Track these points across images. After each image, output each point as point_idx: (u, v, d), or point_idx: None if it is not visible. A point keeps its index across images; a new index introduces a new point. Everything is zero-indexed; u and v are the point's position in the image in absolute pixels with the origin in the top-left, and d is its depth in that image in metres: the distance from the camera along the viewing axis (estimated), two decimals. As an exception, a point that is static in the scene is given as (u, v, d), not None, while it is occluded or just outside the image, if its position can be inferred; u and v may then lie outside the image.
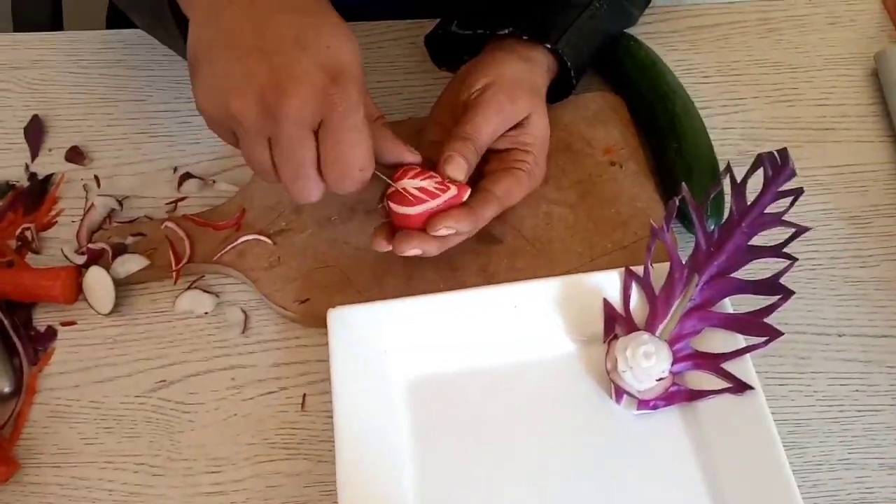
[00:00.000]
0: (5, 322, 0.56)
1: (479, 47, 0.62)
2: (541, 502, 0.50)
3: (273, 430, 0.54)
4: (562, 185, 0.62)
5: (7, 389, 0.55)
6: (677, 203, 0.53)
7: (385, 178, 0.52)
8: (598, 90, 0.67)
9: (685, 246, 0.57)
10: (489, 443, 0.52)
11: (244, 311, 0.58)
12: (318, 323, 0.56)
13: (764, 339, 0.52)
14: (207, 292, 0.59)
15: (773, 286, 0.52)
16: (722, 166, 0.58)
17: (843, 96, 0.69)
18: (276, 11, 0.46)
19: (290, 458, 0.53)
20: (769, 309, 0.52)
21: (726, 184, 0.53)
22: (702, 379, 0.52)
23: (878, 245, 0.61)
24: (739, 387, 0.51)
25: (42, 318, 0.58)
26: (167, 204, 0.63)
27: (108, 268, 0.58)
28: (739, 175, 0.52)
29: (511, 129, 0.57)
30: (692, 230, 0.58)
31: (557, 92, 0.62)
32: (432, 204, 0.52)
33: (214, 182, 0.64)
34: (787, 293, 0.52)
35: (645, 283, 0.54)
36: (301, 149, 0.47)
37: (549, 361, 0.55)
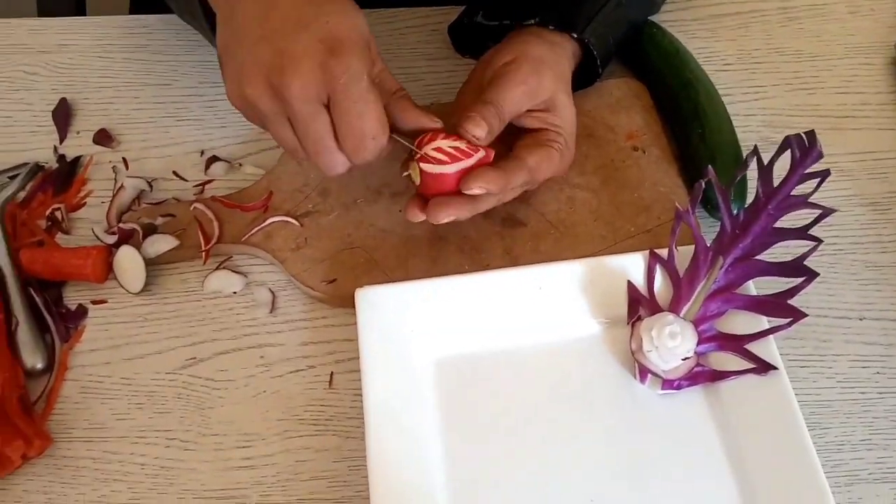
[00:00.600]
0: (37, 300, 0.57)
1: (502, 35, 0.63)
2: (565, 481, 0.51)
3: (302, 406, 0.55)
4: (585, 169, 0.63)
5: (40, 366, 0.56)
6: (703, 186, 0.53)
7: (408, 143, 0.53)
8: (621, 76, 0.68)
9: (707, 230, 0.58)
10: (514, 423, 0.53)
11: (272, 291, 0.59)
12: (345, 303, 0.57)
13: (787, 320, 0.52)
14: (236, 272, 0.59)
15: (797, 268, 0.53)
16: (744, 153, 0.59)
17: (864, 84, 0.69)
18: None
19: (318, 434, 0.54)
20: (792, 291, 0.53)
21: (751, 168, 0.54)
22: (725, 360, 0.53)
23: (899, 231, 0.62)
24: (763, 367, 0.52)
25: (73, 297, 0.59)
26: (195, 186, 0.64)
27: (138, 248, 0.59)
28: (763, 160, 0.53)
29: (540, 110, 0.57)
30: (716, 215, 0.59)
31: (581, 80, 0.63)
32: (467, 162, 0.53)
33: (241, 165, 0.65)
34: (812, 274, 0.52)
35: (669, 266, 0.55)
36: (314, 123, 0.48)
37: (572, 342, 0.56)
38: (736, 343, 0.53)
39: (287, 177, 0.62)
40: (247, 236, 0.60)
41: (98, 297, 0.59)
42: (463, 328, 0.55)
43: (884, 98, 0.68)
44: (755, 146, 0.53)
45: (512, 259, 0.59)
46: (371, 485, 0.48)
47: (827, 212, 0.52)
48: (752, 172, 0.54)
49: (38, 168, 0.64)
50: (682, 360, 0.52)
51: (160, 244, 0.59)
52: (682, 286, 0.54)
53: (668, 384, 0.53)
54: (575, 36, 0.60)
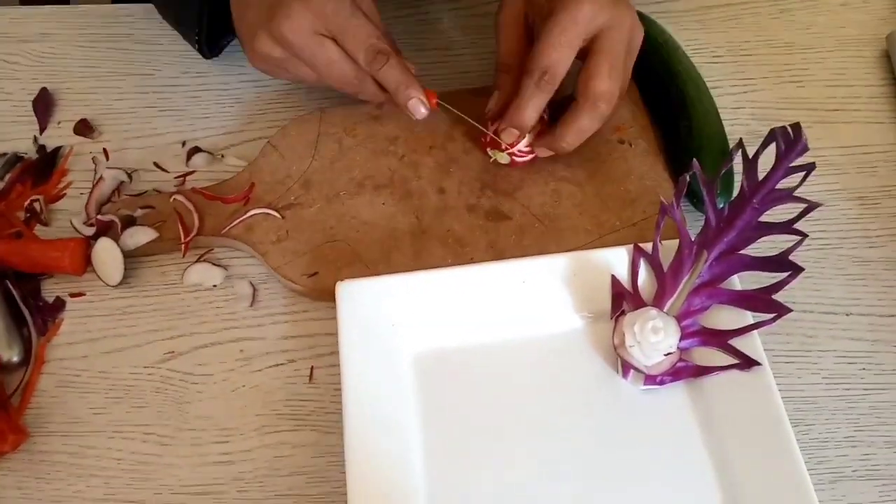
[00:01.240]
0: (14, 292, 0.57)
1: None
2: (547, 476, 0.50)
3: (281, 401, 0.54)
4: (571, 162, 0.62)
5: (16, 359, 0.55)
6: (688, 179, 0.53)
7: (490, 133, 0.59)
8: (608, 68, 0.67)
9: (693, 225, 0.57)
10: (496, 417, 0.52)
11: (252, 285, 0.58)
12: (326, 297, 0.56)
13: (772, 315, 0.52)
14: (216, 265, 0.59)
15: (782, 262, 0.52)
16: (731, 146, 0.58)
17: (854, 77, 0.68)
18: None
19: (297, 430, 0.53)
20: (777, 286, 0.52)
21: (737, 162, 0.53)
22: (709, 355, 0.53)
23: (887, 225, 0.61)
24: (747, 363, 0.51)
25: (51, 290, 0.58)
26: (176, 178, 0.63)
27: (116, 240, 0.58)
28: (750, 153, 0.52)
29: None
30: (701, 208, 0.58)
31: None
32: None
33: (223, 156, 0.64)
34: (797, 269, 0.52)
35: (653, 260, 0.54)
36: (321, 51, 0.54)
37: (556, 337, 0.55)
38: (720, 338, 0.52)
39: (269, 168, 0.62)
40: (227, 228, 0.59)
41: (76, 289, 0.58)
42: (445, 322, 0.55)
43: (874, 91, 0.68)
44: (740, 139, 0.52)
45: (496, 253, 0.58)
46: (349, 481, 0.48)
47: (812, 206, 0.51)
48: (740, 166, 0.54)
49: (17, 158, 0.63)
50: (665, 355, 0.51)
51: (139, 236, 0.58)
52: (666, 280, 0.54)
53: (650, 380, 0.52)
54: None
